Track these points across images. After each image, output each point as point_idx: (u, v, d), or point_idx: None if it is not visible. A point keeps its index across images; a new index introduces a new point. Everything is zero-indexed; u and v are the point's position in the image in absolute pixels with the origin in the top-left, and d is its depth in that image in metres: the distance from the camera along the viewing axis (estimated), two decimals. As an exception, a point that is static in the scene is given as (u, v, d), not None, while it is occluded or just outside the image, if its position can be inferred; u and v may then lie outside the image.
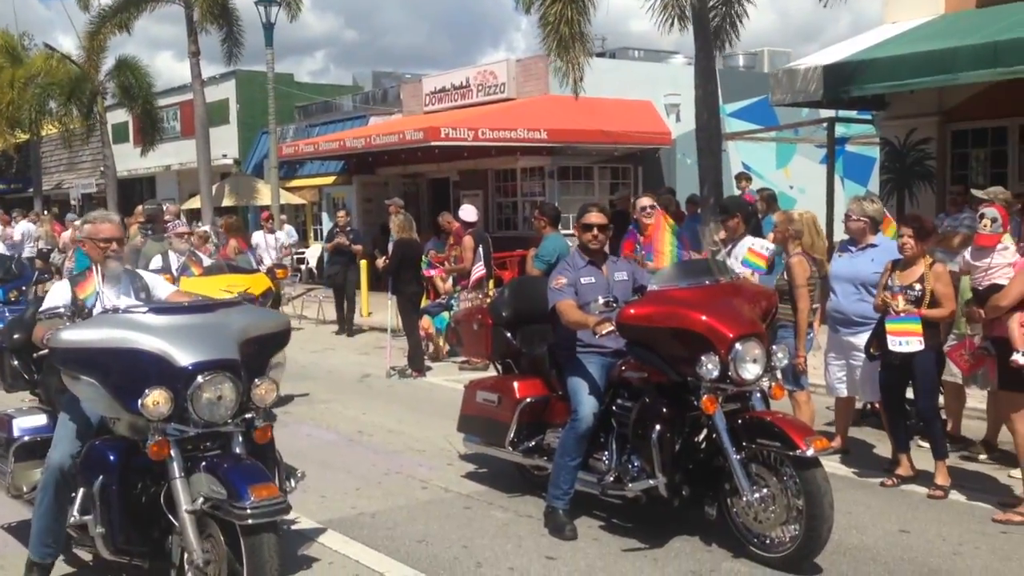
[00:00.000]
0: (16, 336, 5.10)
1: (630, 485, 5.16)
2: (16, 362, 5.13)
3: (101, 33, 24.41)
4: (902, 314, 5.88)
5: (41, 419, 5.06)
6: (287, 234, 17.18)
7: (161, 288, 4.97)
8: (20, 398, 5.59)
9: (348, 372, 11.31)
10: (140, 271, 5.12)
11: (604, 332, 5.15)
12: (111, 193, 26.28)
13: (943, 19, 11.69)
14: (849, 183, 20.30)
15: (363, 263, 17.25)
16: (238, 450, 4.21)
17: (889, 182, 12.89)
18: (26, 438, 4.96)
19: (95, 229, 4.76)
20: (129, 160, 30.72)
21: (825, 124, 14.55)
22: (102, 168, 27.91)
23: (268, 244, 15.49)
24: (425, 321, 11.58)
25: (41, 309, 4.71)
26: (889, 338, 5.88)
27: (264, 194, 23.36)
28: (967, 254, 5.96)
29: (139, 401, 3.94)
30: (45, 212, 26.43)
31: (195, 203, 24.08)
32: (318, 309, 16.07)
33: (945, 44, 10.09)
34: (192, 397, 4.02)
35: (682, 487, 5.09)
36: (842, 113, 14.46)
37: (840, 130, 15.48)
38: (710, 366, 4.87)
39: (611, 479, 5.28)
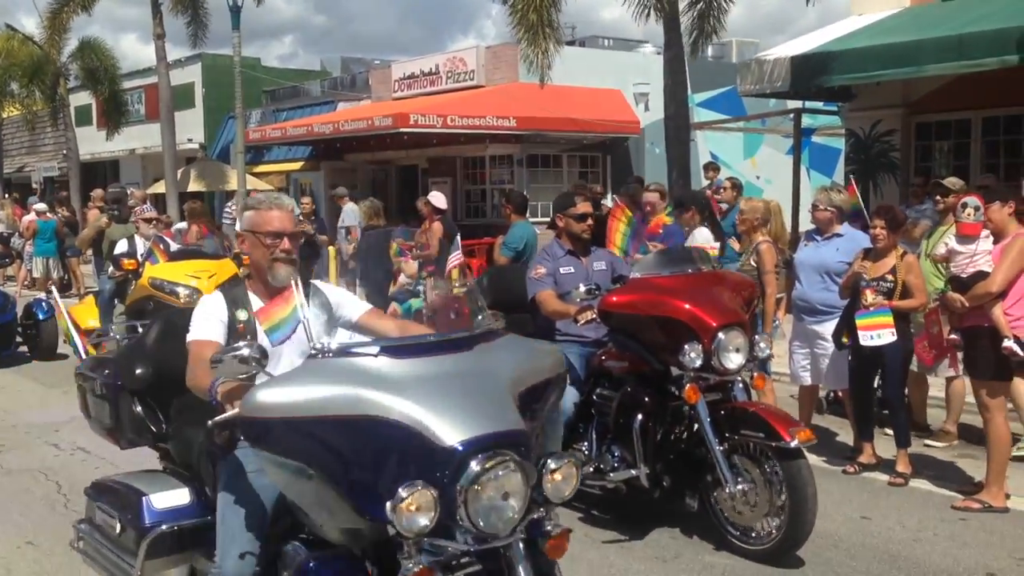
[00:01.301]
0: (139, 372, 3.86)
1: (611, 475, 5.10)
2: (139, 408, 3.90)
3: (63, 13, 24.02)
4: (872, 308, 5.93)
5: (181, 494, 3.65)
6: None
7: (351, 305, 3.50)
8: (138, 455, 4.28)
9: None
10: (318, 283, 3.55)
11: (585, 320, 5.14)
12: (74, 177, 25.91)
13: (909, 12, 11.81)
14: (815, 174, 20.48)
15: (331, 250, 17.15)
16: (521, 571, 2.68)
17: (854, 173, 13.01)
18: (163, 527, 3.55)
19: (260, 218, 3.33)
20: (93, 143, 30.28)
21: (792, 115, 14.66)
22: (65, 151, 27.50)
23: None
24: (392, 307, 11.54)
25: (195, 337, 3.27)
26: (860, 333, 5.92)
27: (233, 179, 23.16)
28: (950, 242, 5.89)
29: (388, 505, 2.53)
30: (6, 196, 25.99)
31: (160, 188, 23.81)
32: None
33: (910, 37, 10.20)
34: (465, 496, 2.56)
35: (663, 478, 5.05)
36: (809, 104, 14.58)
37: (806, 121, 15.60)
38: (693, 355, 4.85)
39: (591, 469, 5.18)
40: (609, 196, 18.94)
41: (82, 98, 29.54)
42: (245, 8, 19.49)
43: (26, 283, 18.03)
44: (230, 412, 2.81)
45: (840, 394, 7.02)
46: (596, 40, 24.22)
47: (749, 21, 74.69)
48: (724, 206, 11.11)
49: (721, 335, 4.87)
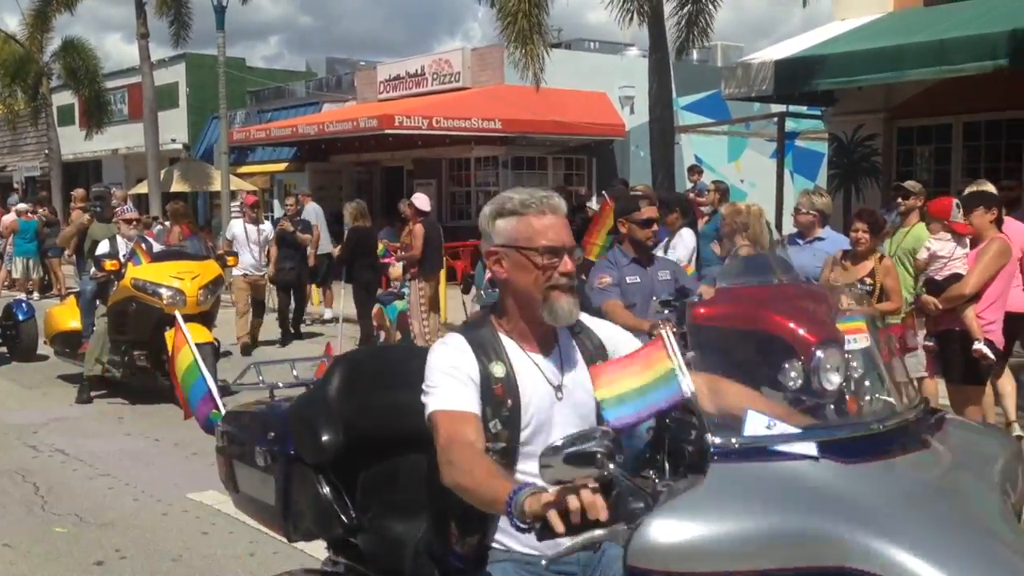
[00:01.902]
0: (326, 439, 2.72)
1: None
2: (326, 490, 2.76)
3: (46, 13, 23.87)
4: (847, 313, 5.95)
5: None
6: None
7: (624, 342, 2.55)
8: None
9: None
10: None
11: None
12: (56, 177, 25.77)
13: (891, 17, 11.88)
14: (799, 177, 20.59)
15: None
16: None
17: (836, 177, 13.08)
18: None
19: (527, 228, 2.34)
20: (75, 143, 30.10)
21: (775, 119, 14.72)
22: (47, 151, 27.31)
23: (249, 237, 11.76)
24: (376, 310, 11.52)
25: (444, 407, 2.25)
26: None
27: (217, 180, 23.08)
28: (931, 246, 5.82)
29: None
30: (-13, 195, 25.83)
31: (143, 188, 23.68)
32: (269, 297, 15.85)
33: (892, 42, 10.26)
34: None
35: None
36: (792, 108, 14.64)
37: (790, 125, 15.68)
38: (793, 374, 4.38)
39: None
40: (594, 199, 18.99)
41: (64, 98, 29.35)
42: (231, 8, 19.41)
43: (5, 283, 17.89)
44: (591, 535, 1.76)
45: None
46: (582, 43, 24.26)
47: (735, 25, 75.04)
48: (707, 209, 11.16)
49: (820, 353, 4.35)
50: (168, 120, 26.45)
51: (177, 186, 23.72)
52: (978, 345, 5.42)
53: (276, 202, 24.89)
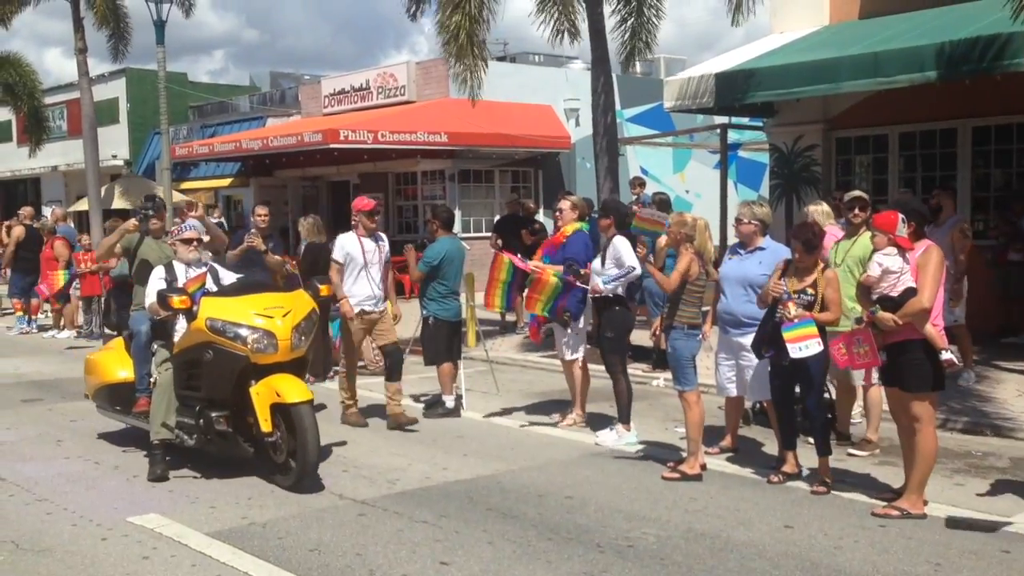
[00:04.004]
0: None
1: None
2: None
3: (-20, 28, 23.30)
4: (796, 320, 6.04)
5: None
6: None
7: None
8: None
9: (243, 379, 11.03)
10: None
11: None
12: (-8, 194, 25.17)
13: (827, 30, 12.13)
14: (743, 188, 20.88)
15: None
16: None
17: (778, 187, 13.30)
18: None
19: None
20: (12, 160, 29.48)
21: (718, 130, 14.92)
22: (-17, 168, 26.68)
23: (368, 256, 8.44)
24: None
25: None
26: (789, 346, 6.00)
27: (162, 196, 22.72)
28: (883, 262, 5.83)
29: None
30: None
31: (83, 205, 23.24)
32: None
33: (828, 55, 10.48)
34: None
35: None
36: (735, 120, 14.86)
37: (733, 136, 15.90)
38: None
39: None
40: (541, 211, 19.04)
41: (1, 114, 28.71)
42: (173, 23, 19.23)
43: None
44: None
45: (766, 405, 7.13)
46: (527, 56, 24.38)
47: (679, 39, 75.89)
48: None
49: None
50: (109, 136, 26.02)
51: (119, 203, 23.30)
52: (947, 355, 5.54)
53: (223, 218, 24.60)
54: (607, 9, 13.27)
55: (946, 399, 8.04)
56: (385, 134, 17.52)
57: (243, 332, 6.39)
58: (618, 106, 15.93)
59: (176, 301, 6.52)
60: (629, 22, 14.00)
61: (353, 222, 8.53)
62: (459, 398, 8.86)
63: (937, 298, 5.65)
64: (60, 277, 14.95)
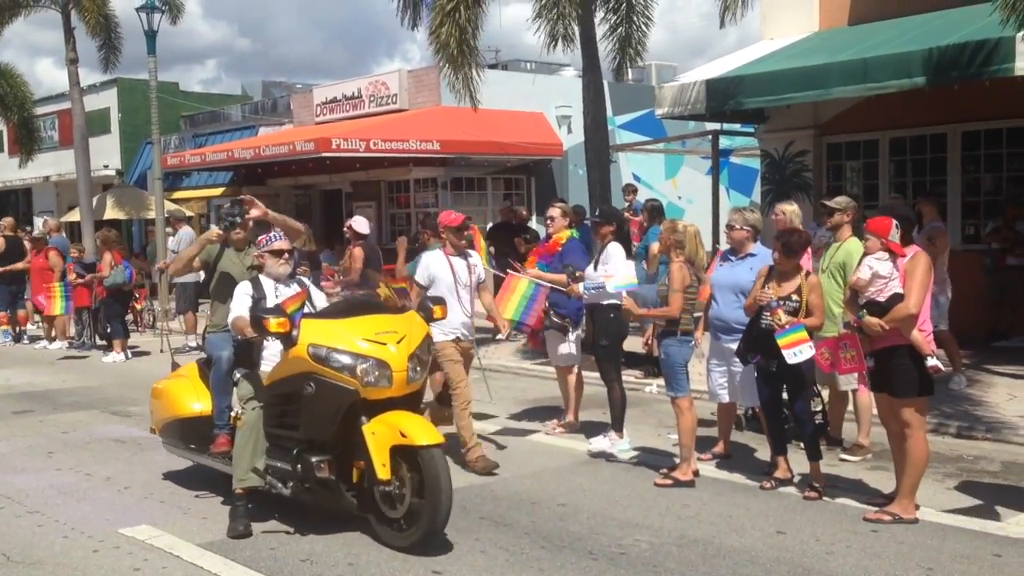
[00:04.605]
0: None
1: None
2: None
3: (-28, 38, 23.28)
4: (787, 326, 6.05)
5: None
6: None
7: None
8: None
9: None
10: None
11: None
12: (-16, 205, 25.10)
13: (817, 36, 12.17)
14: (735, 194, 20.95)
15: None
16: None
17: (769, 193, 13.33)
18: None
19: None
20: (4, 170, 29.44)
21: (710, 136, 14.95)
22: (-26, 179, 26.62)
23: (458, 277, 7.33)
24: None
25: None
26: (784, 352, 6.01)
27: (153, 206, 22.70)
28: (874, 266, 5.87)
29: None
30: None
31: (75, 216, 23.18)
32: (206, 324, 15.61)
33: (818, 61, 10.51)
34: None
35: None
36: (726, 126, 14.89)
37: (724, 142, 15.93)
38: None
39: None
40: (534, 218, 19.06)
41: (-8, 124, 28.65)
42: (166, 33, 19.23)
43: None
44: None
45: (758, 411, 7.14)
46: (518, 64, 24.43)
47: (670, 45, 76.12)
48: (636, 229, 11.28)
49: None
50: (100, 146, 25.99)
51: (111, 213, 23.28)
52: (932, 361, 5.56)
53: (213, 227, 24.57)
54: (597, 16, 13.33)
55: (938, 404, 8.07)
56: (377, 142, 17.52)
57: (352, 361, 5.35)
58: (610, 113, 15.98)
59: (274, 324, 5.41)
60: (619, 30, 14.07)
61: (439, 237, 7.73)
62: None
63: (924, 304, 5.67)
64: (57, 291, 14.87)
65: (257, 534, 5.67)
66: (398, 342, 5.48)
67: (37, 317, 16.60)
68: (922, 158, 12.19)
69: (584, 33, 12.63)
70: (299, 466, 5.53)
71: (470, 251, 7.62)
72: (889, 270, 5.66)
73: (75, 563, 5.28)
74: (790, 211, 7.50)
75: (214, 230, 6.72)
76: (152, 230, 21.45)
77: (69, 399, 10.60)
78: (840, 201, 7.25)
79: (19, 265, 15.95)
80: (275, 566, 5.15)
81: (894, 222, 5.73)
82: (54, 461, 7.70)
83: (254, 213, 6.54)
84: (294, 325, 5.48)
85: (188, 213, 21.80)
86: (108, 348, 14.07)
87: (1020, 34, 8.19)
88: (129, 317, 15.33)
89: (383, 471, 5.20)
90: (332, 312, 5.81)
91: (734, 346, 6.73)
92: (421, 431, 5.25)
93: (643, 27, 14.09)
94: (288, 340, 5.52)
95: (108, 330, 14.18)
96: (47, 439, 8.53)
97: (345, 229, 11.85)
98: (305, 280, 6.44)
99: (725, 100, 11.23)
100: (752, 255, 6.89)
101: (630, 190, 15.21)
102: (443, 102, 18.72)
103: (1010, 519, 5.68)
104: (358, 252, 10.78)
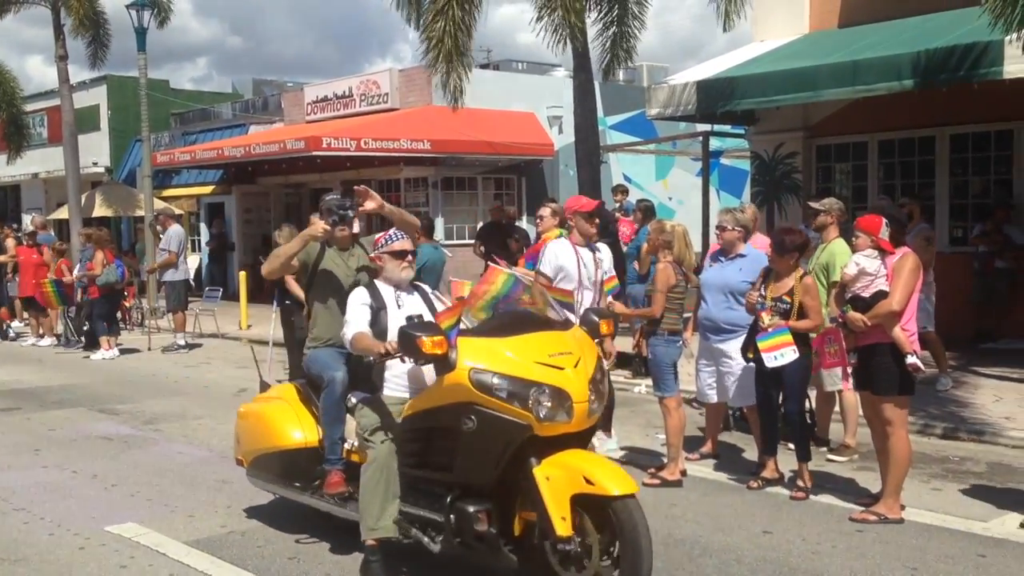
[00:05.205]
0: None
1: None
2: None
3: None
4: (770, 329, 6.07)
5: None
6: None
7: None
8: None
9: (224, 387, 11.01)
10: None
11: None
12: (-28, 202, 24.96)
13: (807, 38, 12.22)
14: (725, 195, 20.98)
15: (242, 275, 16.94)
16: None
17: (759, 194, 13.37)
18: None
19: None
20: (-8, 168, 29.27)
21: (700, 137, 14.99)
22: (-38, 176, 26.48)
23: (585, 270, 6.91)
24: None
25: None
26: (764, 356, 6.04)
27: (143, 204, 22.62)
28: (861, 262, 5.91)
29: None
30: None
31: (63, 213, 23.08)
32: (195, 322, 15.60)
33: (808, 63, 10.55)
34: None
35: None
36: (716, 127, 14.94)
37: (715, 144, 15.97)
38: None
39: None
40: (524, 218, 19.06)
41: (-19, 121, 28.50)
42: (156, 31, 19.13)
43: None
44: None
45: (745, 411, 7.16)
46: (510, 64, 24.45)
47: (662, 47, 76.33)
48: (629, 229, 11.29)
49: None
50: (89, 143, 25.88)
51: (100, 210, 23.18)
52: (912, 360, 5.58)
53: (203, 225, 24.52)
54: (590, 17, 13.35)
55: (924, 405, 8.11)
56: (368, 141, 17.48)
57: (525, 390, 4.29)
58: (600, 113, 15.99)
59: (429, 344, 4.33)
60: (611, 31, 14.09)
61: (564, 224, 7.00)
62: None
63: (911, 305, 5.70)
64: (49, 287, 14.81)
65: (244, 531, 5.66)
66: (575, 365, 4.45)
67: (26, 315, 16.55)
68: (910, 160, 12.25)
69: (575, 35, 12.64)
70: (452, 516, 4.49)
71: (600, 244, 6.98)
72: (876, 268, 5.71)
73: (61, 561, 5.27)
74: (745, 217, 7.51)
75: (319, 224, 5.42)
76: (141, 228, 21.39)
77: (56, 396, 10.56)
78: (825, 202, 7.28)
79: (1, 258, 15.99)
80: (262, 564, 5.14)
81: (884, 220, 5.78)
82: (40, 458, 7.67)
83: (369, 206, 5.42)
84: (451, 345, 4.42)
85: (177, 211, 21.82)
86: (90, 346, 14.08)
87: (1008, 38, 8.24)
88: (118, 315, 15.29)
89: (562, 526, 4.18)
90: (490, 328, 4.70)
91: (723, 346, 6.75)
92: (611, 477, 4.24)
93: (634, 28, 14.12)
94: (445, 363, 4.42)
95: (86, 327, 14.27)
96: (33, 436, 8.49)
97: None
98: (425, 287, 5.44)
99: (716, 101, 11.27)
100: (742, 256, 6.91)
101: (621, 190, 15.22)
102: (434, 101, 18.68)
103: (994, 520, 5.71)
104: (348, 251, 10.75)
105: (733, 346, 6.64)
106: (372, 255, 5.34)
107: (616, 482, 4.22)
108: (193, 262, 22.22)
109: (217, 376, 11.87)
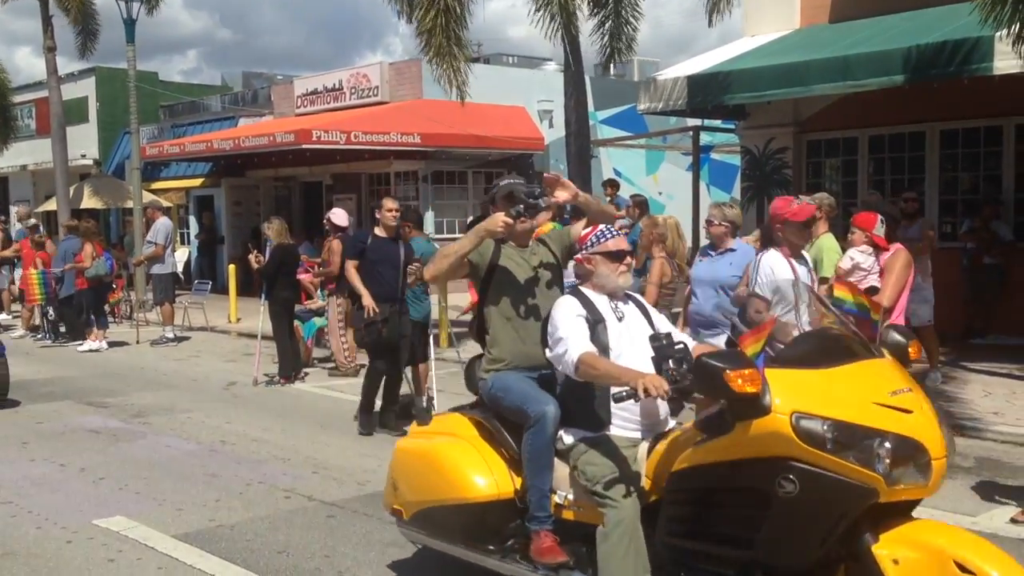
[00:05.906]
0: None
1: None
2: None
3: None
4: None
5: None
6: None
7: None
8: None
9: (213, 380, 10.97)
10: None
11: None
12: (-41, 194, 24.81)
13: (798, 33, 12.23)
14: (715, 190, 21.01)
15: (231, 268, 16.90)
16: None
17: (749, 189, 13.38)
18: None
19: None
20: (-21, 159, 29.05)
21: (691, 132, 14.99)
22: (-51, 167, 26.30)
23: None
24: (295, 325, 11.37)
25: None
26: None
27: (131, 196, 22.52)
28: (855, 257, 5.89)
29: None
30: None
31: (51, 205, 22.96)
32: (183, 315, 15.55)
33: (799, 58, 10.56)
34: None
35: None
36: (707, 122, 14.94)
37: (705, 138, 15.97)
38: None
39: None
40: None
41: (-32, 112, 28.32)
42: (146, 22, 19.04)
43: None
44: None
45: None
46: (500, 57, 24.39)
47: (653, 41, 76.34)
48: (625, 222, 11.28)
49: None
50: (78, 135, 25.73)
51: (89, 202, 23.07)
52: None
53: (192, 218, 24.42)
54: (584, 12, 13.31)
55: (913, 399, 8.12)
56: (358, 135, 17.44)
57: (869, 442, 3.17)
58: (591, 107, 15.98)
59: (740, 380, 3.15)
60: (607, 24, 14.05)
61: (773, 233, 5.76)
62: (430, 399, 8.84)
63: (902, 300, 5.72)
64: (35, 277, 14.72)
65: (233, 525, 5.64)
66: (921, 407, 3.39)
67: (16, 307, 16.48)
68: (900, 156, 12.27)
69: (567, 29, 12.61)
70: None
71: (806, 255, 5.85)
72: (870, 263, 5.74)
73: (48, 554, 5.24)
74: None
75: (499, 217, 4.49)
76: (130, 220, 21.29)
77: (44, 389, 10.50)
78: (816, 197, 7.29)
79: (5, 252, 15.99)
80: (251, 558, 5.12)
81: (879, 217, 5.81)
82: (28, 451, 7.63)
83: (561, 196, 4.54)
84: (763, 380, 3.23)
85: (166, 204, 21.75)
86: (75, 337, 14.06)
87: (999, 34, 8.26)
88: (106, 308, 15.23)
89: None
90: (799, 356, 3.52)
91: (713, 341, 6.73)
92: (991, 559, 3.07)
93: (631, 21, 14.08)
94: (758, 406, 3.22)
95: (61, 323, 14.32)
96: (21, 429, 8.44)
97: (324, 221, 11.81)
98: (639, 297, 4.38)
99: (706, 96, 11.27)
100: (732, 250, 6.90)
101: (611, 185, 15.21)
102: (424, 95, 18.65)
103: (983, 514, 5.72)
104: (337, 244, 10.75)
105: (722, 341, 6.64)
106: (579, 256, 4.23)
107: (1001, 567, 3.04)
108: (182, 255, 22.14)
109: (206, 369, 11.83)
